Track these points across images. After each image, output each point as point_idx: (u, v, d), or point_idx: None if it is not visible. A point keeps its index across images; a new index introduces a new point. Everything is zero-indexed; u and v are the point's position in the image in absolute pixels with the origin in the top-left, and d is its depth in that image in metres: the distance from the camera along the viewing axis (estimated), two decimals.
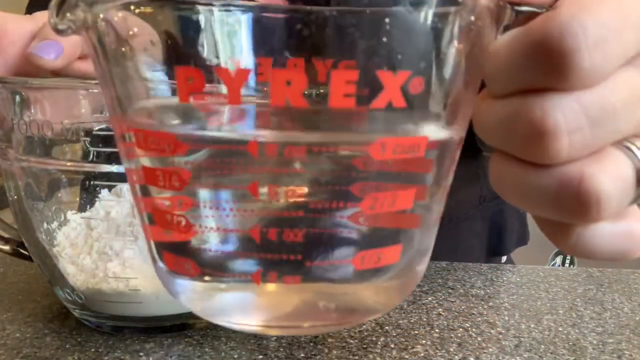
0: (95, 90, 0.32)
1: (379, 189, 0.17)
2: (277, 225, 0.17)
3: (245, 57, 0.16)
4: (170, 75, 0.16)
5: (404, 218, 0.19)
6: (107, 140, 0.32)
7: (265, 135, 0.17)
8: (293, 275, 0.18)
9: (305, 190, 0.17)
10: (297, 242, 0.17)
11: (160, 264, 0.20)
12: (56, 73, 0.39)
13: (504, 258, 0.68)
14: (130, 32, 0.17)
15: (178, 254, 0.19)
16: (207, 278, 0.19)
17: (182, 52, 0.16)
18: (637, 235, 0.18)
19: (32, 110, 0.31)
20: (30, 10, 0.59)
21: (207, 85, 0.16)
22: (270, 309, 0.19)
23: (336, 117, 0.16)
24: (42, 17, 0.38)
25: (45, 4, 0.54)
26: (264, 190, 0.17)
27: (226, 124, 0.18)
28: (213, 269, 0.19)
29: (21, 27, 0.36)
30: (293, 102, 0.15)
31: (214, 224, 0.18)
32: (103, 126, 0.32)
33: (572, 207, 0.16)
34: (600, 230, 0.17)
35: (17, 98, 0.31)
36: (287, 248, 0.17)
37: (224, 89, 0.16)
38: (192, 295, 0.20)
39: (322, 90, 0.16)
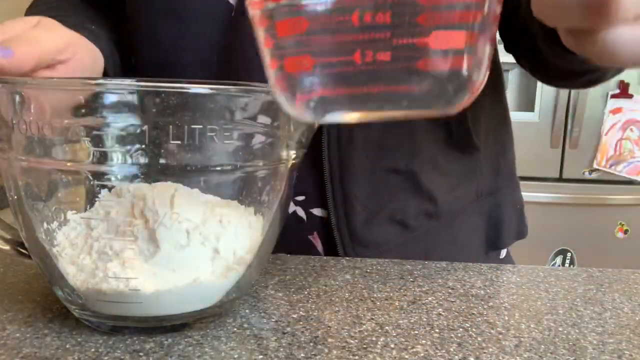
0: (96, 90, 0.32)
1: None
2: (370, 9, 0.22)
3: None
4: None
5: (466, 13, 0.23)
6: (107, 140, 0.32)
7: None
8: (384, 51, 0.22)
9: None
10: (387, 22, 0.22)
11: (281, 73, 0.25)
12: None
13: (504, 252, 0.68)
14: None
15: (296, 54, 0.24)
16: (319, 67, 0.24)
17: None
18: None
19: (32, 110, 0.31)
20: (30, 11, 0.59)
21: None
22: (368, 88, 0.24)
23: None
24: (10, 27, 0.40)
25: (44, 5, 0.54)
26: None
27: None
28: (323, 56, 0.24)
29: None
30: None
31: (323, 16, 0.23)
32: (102, 126, 0.32)
33: (597, 8, 0.22)
34: (622, 34, 0.23)
35: (17, 98, 0.31)
36: (378, 28, 0.22)
37: None
38: (309, 88, 0.25)
39: None
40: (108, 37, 0.56)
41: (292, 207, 0.54)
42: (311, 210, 0.54)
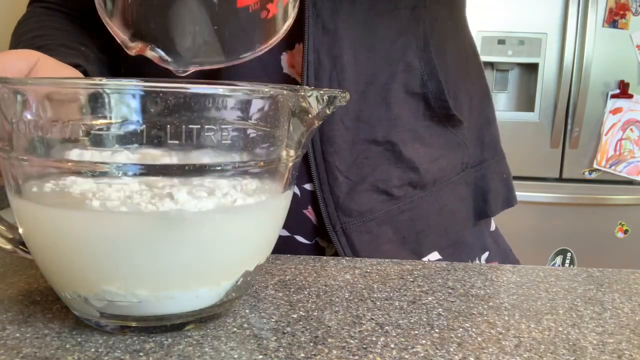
0: (96, 90, 0.32)
1: None
2: None
3: None
4: None
5: None
6: (107, 140, 0.32)
7: None
8: None
9: None
10: None
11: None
12: None
13: (493, 225, 0.69)
14: None
15: None
16: None
17: None
18: None
19: (32, 110, 0.31)
20: (20, 30, 0.60)
21: None
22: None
23: None
24: (12, 66, 0.41)
25: (36, 24, 0.56)
26: None
27: None
28: None
29: None
30: None
31: None
32: (103, 126, 0.32)
33: None
34: None
35: (18, 98, 0.31)
36: None
37: None
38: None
39: None
40: (97, 58, 0.59)
41: None
42: (303, 185, 0.56)
